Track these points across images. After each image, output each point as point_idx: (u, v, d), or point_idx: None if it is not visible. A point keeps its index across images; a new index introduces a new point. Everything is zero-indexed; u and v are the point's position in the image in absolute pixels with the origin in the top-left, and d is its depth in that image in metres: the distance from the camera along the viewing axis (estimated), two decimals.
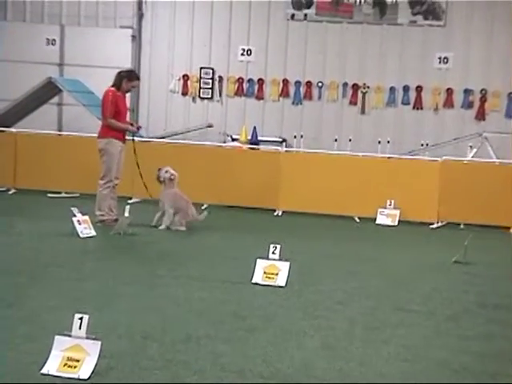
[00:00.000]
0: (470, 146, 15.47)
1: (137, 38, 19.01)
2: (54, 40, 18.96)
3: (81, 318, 4.86)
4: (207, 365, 5.07)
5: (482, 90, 17.46)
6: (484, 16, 17.38)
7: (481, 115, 17.54)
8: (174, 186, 11.29)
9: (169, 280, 7.66)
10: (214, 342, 5.56)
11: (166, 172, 11.26)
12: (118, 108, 10.99)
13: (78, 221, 9.96)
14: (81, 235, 9.84)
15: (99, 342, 4.81)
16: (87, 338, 4.83)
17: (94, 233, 10.03)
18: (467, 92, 17.56)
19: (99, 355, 4.79)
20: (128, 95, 11.63)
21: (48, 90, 16.94)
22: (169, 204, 11.14)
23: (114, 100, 10.95)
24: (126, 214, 10.27)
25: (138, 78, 11.52)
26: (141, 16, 19.04)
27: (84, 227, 9.98)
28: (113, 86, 11.08)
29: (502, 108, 17.46)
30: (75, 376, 4.70)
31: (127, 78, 11.14)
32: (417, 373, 5.18)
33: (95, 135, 11.25)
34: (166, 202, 11.15)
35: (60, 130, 17.73)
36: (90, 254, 8.96)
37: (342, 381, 4.94)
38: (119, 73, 11.32)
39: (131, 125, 11.39)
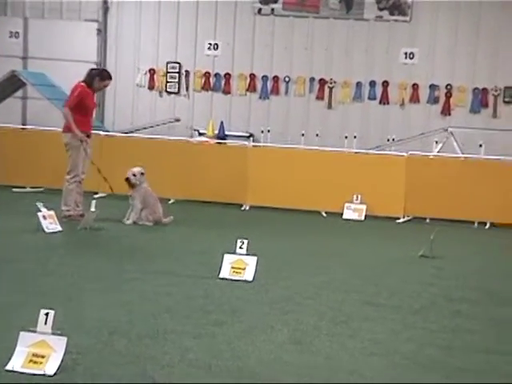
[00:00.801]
0: (436, 141, 15.56)
1: (102, 32, 18.85)
2: (18, 33, 18.73)
3: (46, 314, 4.81)
4: (175, 360, 5.04)
5: (447, 86, 17.57)
6: (449, 11, 17.48)
7: (446, 110, 17.65)
8: (144, 182, 11.23)
9: (136, 275, 7.62)
10: (182, 337, 5.53)
11: (134, 176, 11.18)
12: (84, 103, 10.91)
13: (44, 216, 9.87)
14: (46, 230, 9.75)
15: (65, 338, 4.76)
16: (53, 333, 4.78)
17: (59, 228, 9.95)
18: (433, 87, 17.65)
19: (65, 351, 4.74)
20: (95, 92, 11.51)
21: (12, 84, 16.75)
22: (138, 199, 11.09)
23: (82, 95, 10.88)
24: (93, 209, 10.21)
25: (110, 78, 11.40)
26: (106, 9, 18.88)
27: (49, 222, 9.89)
28: (84, 81, 11.00)
29: (466, 103, 17.58)
30: (41, 372, 4.64)
31: (99, 77, 11.09)
32: (384, 366, 5.20)
33: (60, 129, 11.16)
34: (135, 197, 11.10)
35: (24, 124, 17.52)
36: (56, 249, 8.88)
37: (309, 375, 4.94)
38: (91, 70, 11.28)
39: (88, 136, 11.11)
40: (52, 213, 10.01)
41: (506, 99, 17.35)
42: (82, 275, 7.49)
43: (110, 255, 8.71)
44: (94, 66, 11.41)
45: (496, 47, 17.30)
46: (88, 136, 11.05)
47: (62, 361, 4.71)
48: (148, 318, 6.02)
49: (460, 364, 5.34)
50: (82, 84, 10.95)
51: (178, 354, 5.15)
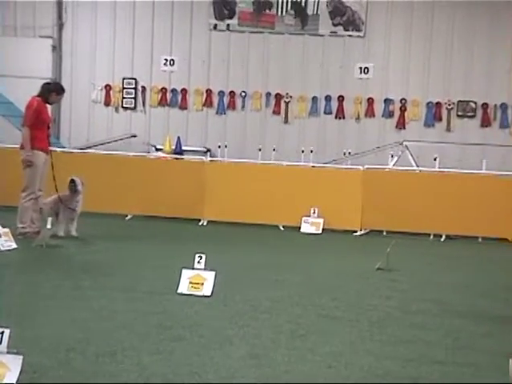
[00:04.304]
0: (391, 155, 15.72)
1: (57, 48, 18.74)
2: None
3: (1, 333, 4.75)
4: (133, 377, 5.01)
5: (401, 100, 17.77)
6: (402, 27, 17.71)
7: (401, 124, 17.84)
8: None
9: (92, 292, 7.56)
10: (140, 354, 5.50)
11: (81, 183, 11.24)
12: (41, 118, 10.85)
13: None
14: (1, 248, 9.64)
15: (21, 357, 4.71)
16: (8, 352, 4.72)
17: (15, 245, 9.84)
18: (387, 101, 17.84)
19: (21, 370, 4.68)
20: (49, 105, 11.48)
21: None
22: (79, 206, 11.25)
23: (38, 109, 10.82)
24: (49, 226, 10.14)
25: (64, 90, 11.42)
26: (61, 25, 18.79)
27: (4, 240, 9.79)
28: (39, 95, 10.93)
29: (421, 117, 17.79)
30: None
31: (55, 92, 11.08)
32: (342, 379, 5.23)
33: (14, 146, 11.06)
34: (79, 202, 11.32)
35: None
36: (11, 266, 8.78)
37: None
38: (46, 84, 11.23)
39: (46, 153, 11.02)
40: (7, 230, 9.90)
41: (460, 113, 17.60)
42: (37, 293, 7.42)
43: (66, 272, 8.63)
44: (46, 81, 11.34)
45: (449, 62, 17.57)
46: (46, 153, 10.96)
47: (18, 380, 4.65)
48: (105, 335, 5.98)
49: (416, 375, 5.38)
50: (37, 98, 10.89)
51: (136, 371, 5.12)
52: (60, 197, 11.15)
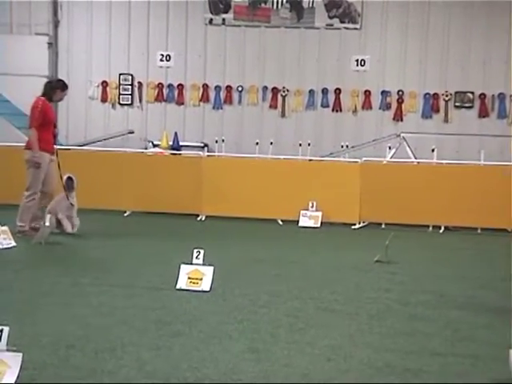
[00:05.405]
0: (389, 147, 15.71)
1: (53, 45, 18.70)
2: None
3: (1, 330, 4.75)
4: (132, 373, 5.02)
5: (398, 92, 17.75)
6: (398, 18, 17.67)
7: (398, 116, 17.82)
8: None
9: (91, 288, 7.56)
10: (139, 350, 5.51)
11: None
12: (47, 118, 10.87)
13: None
14: (0, 246, 9.63)
15: (20, 354, 4.71)
16: (8, 350, 4.72)
17: (13, 243, 9.84)
18: (384, 93, 17.82)
19: (21, 367, 4.69)
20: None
21: None
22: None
23: (44, 109, 10.82)
24: (47, 223, 10.13)
25: (67, 86, 11.45)
26: (57, 23, 18.75)
27: (3, 238, 9.78)
28: (43, 95, 10.92)
29: (418, 109, 17.77)
30: None
31: (59, 89, 11.10)
32: (341, 372, 5.23)
33: (9, 144, 11.05)
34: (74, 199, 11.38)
35: None
36: (10, 264, 8.77)
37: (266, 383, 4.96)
38: (49, 83, 11.22)
39: (52, 154, 11.05)
40: (6, 228, 9.90)
41: (457, 104, 17.57)
42: (36, 290, 7.42)
43: (65, 269, 8.63)
44: (48, 80, 11.32)
45: (446, 52, 17.54)
46: (51, 153, 10.96)
47: (18, 377, 4.66)
48: (104, 331, 5.99)
49: (416, 367, 5.39)
50: (42, 98, 10.88)
51: (136, 367, 5.12)
52: (67, 194, 11.18)
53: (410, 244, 11.73)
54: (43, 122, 10.77)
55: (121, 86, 18.69)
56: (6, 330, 4.77)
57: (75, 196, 11.37)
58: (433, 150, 14.77)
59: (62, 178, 11.12)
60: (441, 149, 15.39)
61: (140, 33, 18.53)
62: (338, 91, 17.97)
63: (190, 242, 10.14)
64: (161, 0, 18.32)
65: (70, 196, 11.29)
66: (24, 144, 11.02)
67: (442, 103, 17.65)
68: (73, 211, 11.30)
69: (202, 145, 18.06)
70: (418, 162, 14.58)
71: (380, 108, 17.92)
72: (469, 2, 17.32)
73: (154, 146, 17.85)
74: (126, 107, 18.79)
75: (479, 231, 13.57)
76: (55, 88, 11.07)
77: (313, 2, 17.82)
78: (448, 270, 9.62)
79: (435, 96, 17.65)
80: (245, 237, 12.02)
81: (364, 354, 5.65)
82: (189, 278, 7.72)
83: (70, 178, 11.30)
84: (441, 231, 13.52)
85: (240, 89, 18.29)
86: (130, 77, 18.64)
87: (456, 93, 17.54)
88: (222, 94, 18.38)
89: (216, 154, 16.50)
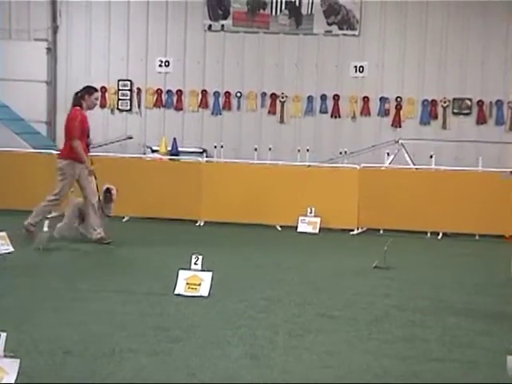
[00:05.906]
0: (387, 153, 15.70)
1: (52, 51, 18.71)
2: None
3: None
4: (130, 378, 5.01)
5: (397, 98, 17.75)
6: (397, 25, 17.68)
7: (397, 122, 17.82)
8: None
9: (90, 294, 7.56)
10: (137, 356, 5.51)
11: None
12: (84, 128, 10.95)
13: None
14: None
15: (18, 360, 4.71)
16: (5, 356, 4.72)
17: (11, 249, 9.83)
18: (383, 100, 17.83)
19: (18, 373, 4.68)
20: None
21: None
22: None
23: (82, 120, 10.89)
24: (45, 229, 10.13)
25: (96, 89, 11.49)
26: (55, 28, 18.75)
27: (1, 243, 9.77)
28: (76, 106, 10.95)
29: (416, 115, 17.77)
30: None
31: (87, 94, 11.10)
32: (339, 378, 5.23)
33: (8, 149, 11.05)
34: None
35: None
36: (7, 270, 8.78)
37: None
38: (75, 94, 11.22)
39: (91, 162, 11.16)
40: (3, 234, 9.89)
41: (455, 110, 17.57)
42: (34, 296, 7.41)
43: (64, 275, 8.63)
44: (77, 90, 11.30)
45: (444, 59, 17.55)
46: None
47: (15, 383, 4.65)
48: (102, 337, 5.98)
49: (414, 373, 5.39)
50: (78, 109, 10.93)
51: (133, 373, 5.12)
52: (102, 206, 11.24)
53: (409, 250, 11.72)
54: (80, 133, 10.82)
55: (120, 92, 18.69)
56: (3, 335, 4.77)
57: (111, 208, 11.39)
58: (431, 157, 14.77)
59: (97, 187, 11.16)
60: (439, 155, 15.39)
61: (139, 38, 18.53)
62: (336, 97, 17.97)
63: (189, 247, 10.13)
64: (160, 5, 18.33)
65: (106, 208, 11.26)
66: (58, 152, 11.02)
67: (440, 110, 17.64)
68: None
69: (201, 150, 18.05)
70: (417, 169, 14.58)
71: (378, 114, 17.92)
72: (467, 9, 17.33)
73: (153, 151, 17.85)
74: (124, 113, 18.79)
75: (477, 237, 13.55)
76: (83, 95, 11.10)
77: (311, 8, 17.84)
78: (446, 275, 9.62)
79: (433, 102, 17.65)
80: (243, 242, 12.01)
81: (362, 359, 5.65)
82: (187, 284, 7.71)
83: (108, 191, 11.30)
84: (439, 237, 13.51)
85: (239, 95, 18.30)
86: (129, 82, 18.64)
87: (454, 99, 17.55)
88: (221, 100, 18.38)
89: (215, 159, 16.49)
